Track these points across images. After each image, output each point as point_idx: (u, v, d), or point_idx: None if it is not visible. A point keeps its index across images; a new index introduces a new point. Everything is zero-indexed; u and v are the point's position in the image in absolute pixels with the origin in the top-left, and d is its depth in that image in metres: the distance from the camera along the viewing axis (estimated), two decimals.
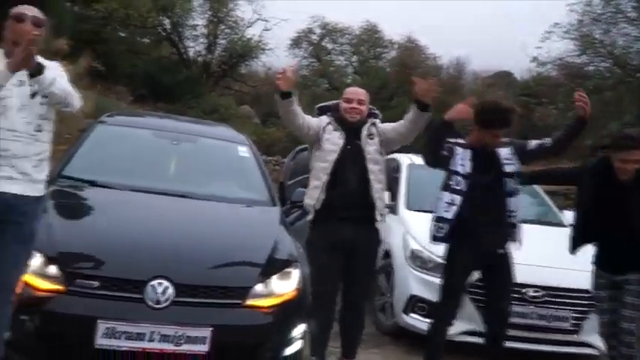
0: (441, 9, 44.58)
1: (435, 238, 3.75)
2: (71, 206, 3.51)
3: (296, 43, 25.64)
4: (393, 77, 24.95)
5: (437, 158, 3.74)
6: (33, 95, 2.76)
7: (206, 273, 3.15)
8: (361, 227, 3.66)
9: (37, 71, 2.64)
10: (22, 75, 2.73)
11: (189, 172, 4.31)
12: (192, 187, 4.08)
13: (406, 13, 41.35)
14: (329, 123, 3.70)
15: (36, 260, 2.96)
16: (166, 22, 21.63)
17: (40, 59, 2.71)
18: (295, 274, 3.38)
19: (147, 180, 4.01)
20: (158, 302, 2.95)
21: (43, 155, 2.85)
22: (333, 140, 3.64)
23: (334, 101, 4.00)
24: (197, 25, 21.96)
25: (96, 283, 2.93)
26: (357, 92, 3.81)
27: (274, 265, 3.33)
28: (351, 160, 3.63)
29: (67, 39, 11.23)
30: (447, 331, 3.87)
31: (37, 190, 2.83)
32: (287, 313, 3.26)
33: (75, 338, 2.91)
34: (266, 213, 4.03)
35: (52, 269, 2.97)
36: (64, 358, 2.95)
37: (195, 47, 22.65)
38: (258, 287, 3.19)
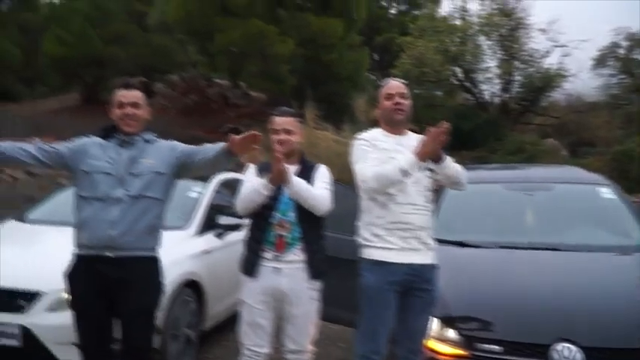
0: None
1: None
2: (453, 269, 3.60)
3: (600, 61, 23.46)
4: None
5: None
6: (421, 169, 2.94)
7: (618, 334, 2.88)
8: None
9: (438, 158, 2.83)
10: (409, 152, 2.90)
11: (552, 222, 4.10)
12: (560, 237, 3.87)
13: None
14: None
15: (434, 324, 3.08)
16: (458, 70, 22.01)
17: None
18: None
19: (511, 235, 3.94)
20: None
21: (431, 223, 2.99)
22: None
23: None
24: (489, 67, 21.83)
25: (498, 348, 2.91)
26: None
27: None
28: None
29: None
30: None
31: (434, 257, 2.97)
32: None
33: None
34: None
35: (451, 333, 3.05)
36: None
37: (490, 89, 22.48)
38: None
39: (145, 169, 2.92)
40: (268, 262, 3.03)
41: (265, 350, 3.10)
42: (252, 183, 3.04)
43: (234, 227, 4.66)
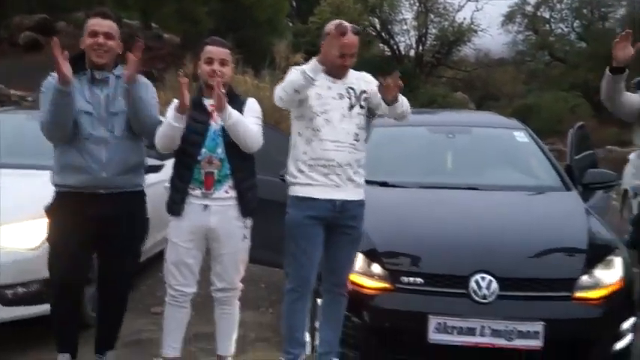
0: None
1: None
2: (376, 207, 3.68)
3: (509, 18, 24.28)
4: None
5: None
6: (351, 107, 2.93)
7: (528, 265, 3.07)
8: None
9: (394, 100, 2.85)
10: (341, 88, 2.93)
11: (471, 163, 4.26)
12: (479, 178, 4.04)
13: None
14: None
15: (359, 259, 3.14)
16: (376, 21, 22.13)
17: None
18: (618, 262, 3.13)
19: (433, 176, 4.08)
20: (484, 297, 2.93)
21: (362, 162, 3.01)
22: None
23: None
24: (406, 19, 22.11)
25: (421, 280, 3.02)
26: None
27: (595, 254, 3.12)
28: None
29: (301, 53, 12.08)
30: None
31: (360, 194, 3.00)
32: (615, 305, 3.04)
33: (407, 333, 3.02)
34: (565, 198, 3.80)
35: (376, 267, 3.13)
36: (395, 352, 3.07)
37: (405, 41, 22.84)
38: (584, 278, 3.02)
39: (122, 106, 2.87)
40: (196, 200, 2.93)
41: (191, 290, 3.04)
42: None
43: (155, 169, 4.49)
